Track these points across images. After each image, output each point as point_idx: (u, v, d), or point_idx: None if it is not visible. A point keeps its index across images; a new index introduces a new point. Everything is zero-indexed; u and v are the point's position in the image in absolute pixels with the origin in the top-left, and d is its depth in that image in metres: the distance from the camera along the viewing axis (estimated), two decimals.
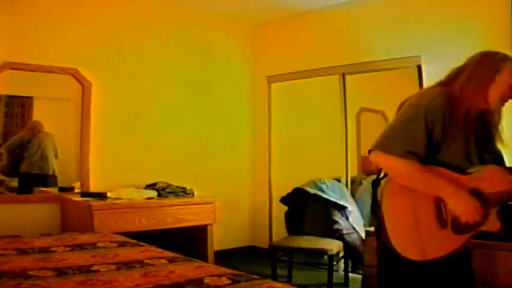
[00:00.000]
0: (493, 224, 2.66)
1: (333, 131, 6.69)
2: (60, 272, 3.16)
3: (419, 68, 5.83)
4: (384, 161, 2.75)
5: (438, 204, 2.69)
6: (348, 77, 6.65)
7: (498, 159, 2.83)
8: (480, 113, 2.76)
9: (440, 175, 2.69)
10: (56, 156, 6.15)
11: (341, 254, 5.93)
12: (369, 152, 2.79)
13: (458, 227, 2.67)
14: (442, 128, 2.68)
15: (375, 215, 2.83)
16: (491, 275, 4.15)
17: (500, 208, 2.66)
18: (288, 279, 5.82)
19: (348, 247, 5.82)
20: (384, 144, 2.75)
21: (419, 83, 5.77)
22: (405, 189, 2.72)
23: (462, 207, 2.63)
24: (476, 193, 2.64)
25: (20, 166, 6.01)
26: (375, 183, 2.85)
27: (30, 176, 6.08)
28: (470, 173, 2.69)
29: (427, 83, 5.68)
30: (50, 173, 6.18)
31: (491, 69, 2.77)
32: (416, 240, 2.69)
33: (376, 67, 6.30)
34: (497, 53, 2.83)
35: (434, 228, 2.68)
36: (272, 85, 7.63)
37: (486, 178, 2.66)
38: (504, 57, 2.80)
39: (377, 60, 6.26)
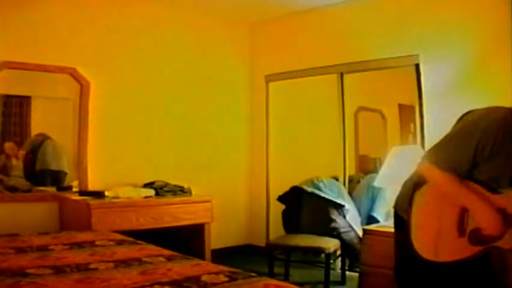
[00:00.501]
0: (507, 242, 2.76)
1: (331, 129, 6.69)
2: (59, 270, 3.17)
3: (417, 67, 5.81)
4: (429, 171, 2.84)
5: (462, 214, 2.80)
6: (346, 76, 6.63)
7: None
8: None
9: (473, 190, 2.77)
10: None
11: (338, 253, 5.95)
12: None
13: (475, 238, 2.79)
14: (491, 149, 2.68)
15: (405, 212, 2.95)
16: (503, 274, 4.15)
17: None
18: (285, 277, 5.83)
19: (346, 245, 5.82)
20: (433, 156, 2.85)
21: (417, 82, 5.77)
22: (438, 195, 2.84)
23: (488, 220, 2.74)
24: (501, 211, 2.72)
25: (35, 166, 6.06)
26: (416, 186, 2.92)
27: (45, 173, 6.15)
28: (500, 193, 2.75)
29: (425, 82, 5.72)
30: (65, 170, 6.24)
31: None
32: (433, 241, 2.83)
33: (374, 66, 6.27)
34: None
35: (453, 234, 2.81)
36: (270, 84, 7.61)
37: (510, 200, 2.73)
38: None
39: (375, 59, 6.24)
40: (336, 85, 6.68)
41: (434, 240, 2.84)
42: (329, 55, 6.80)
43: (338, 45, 6.71)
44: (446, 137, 2.86)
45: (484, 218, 2.74)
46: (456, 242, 2.82)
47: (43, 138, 6.11)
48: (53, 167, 6.19)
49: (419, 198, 2.89)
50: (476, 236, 2.79)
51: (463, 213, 2.81)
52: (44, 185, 6.06)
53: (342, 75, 6.65)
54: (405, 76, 5.99)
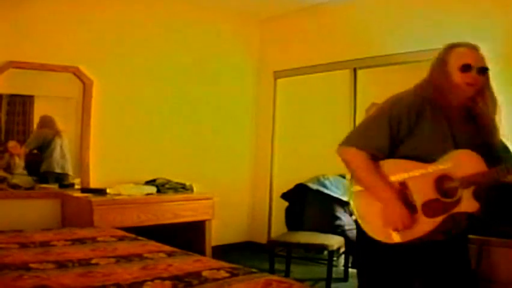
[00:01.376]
0: (469, 206, 2.76)
1: (341, 127, 6.54)
2: (61, 265, 3.21)
3: None
4: (345, 153, 3.00)
5: (403, 191, 2.85)
6: (359, 72, 6.51)
7: (497, 151, 2.89)
8: (466, 107, 2.90)
9: (398, 169, 2.87)
10: None
11: (342, 250, 5.95)
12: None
13: (429, 210, 2.80)
14: (408, 127, 2.84)
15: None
16: (492, 271, 4.17)
17: (475, 189, 2.75)
18: (286, 274, 5.81)
19: (350, 243, 5.81)
20: (348, 139, 3.01)
21: None
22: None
23: (388, 214, 2.82)
24: (444, 177, 2.79)
25: (40, 166, 6.08)
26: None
27: (50, 174, 6.15)
28: (434, 160, 2.82)
29: None
30: (70, 172, 6.25)
31: (442, 61, 2.92)
32: (382, 223, 2.86)
33: (390, 61, 6.10)
34: (449, 44, 2.97)
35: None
36: (278, 80, 7.56)
37: (456, 163, 2.77)
38: (451, 45, 2.95)
39: (391, 54, 6.07)
40: (349, 81, 6.57)
41: (377, 222, 2.87)
42: (341, 50, 6.67)
43: (351, 40, 6.57)
44: (362, 122, 3.07)
45: (384, 211, 2.82)
46: (411, 220, 2.83)
47: (54, 135, 6.13)
48: (58, 170, 6.20)
49: (354, 191, 3.02)
50: (429, 209, 2.80)
51: (403, 191, 2.85)
52: (47, 183, 6.07)
53: (355, 70, 6.53)
54: (423, 71, 5.87)
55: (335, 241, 5.47)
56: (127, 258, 3.51)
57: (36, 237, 4.17)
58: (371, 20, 6.40)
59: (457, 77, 2.81)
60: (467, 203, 2.75)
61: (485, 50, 2.93)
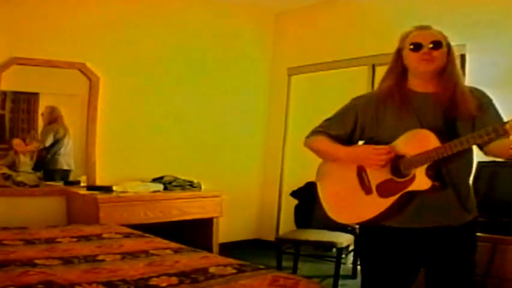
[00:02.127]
0: (422, 184, 2.73)
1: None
2: (66, 261, 3.21)
3: (463, 57, 5.40)
4: (307, 143, 3.23)
5: (360, 173, 2.95)
6: (378, 68, 6.27)
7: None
8: (434, 93, 2.85)
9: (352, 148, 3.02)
10: None
11: (351, 248, 5.94)
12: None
13: (383, 190, 2.85)
14: (370, 117, 2.97)
15: None
16: (504, 269, 4.15)
17: (428, 166, 2.71)
18: (293, 271, 5.81)
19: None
20: (321, 126, 3.22)
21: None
22: (333, 166, 3.16)
23: (358, 158, 2.94)
24: (399, 157, 2.82)
25: (47, 162, 6.11)
26: None
27: (56, 171, 6.18)
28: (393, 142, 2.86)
29: (471, 73, 5.29)
30: (72, 168, 6.27)
31: (398, 50, 3.03)
32: (345, 206, 3.07)
33: None
34: (403, 33, 3.07)
35: (360, 194, 2.93)
36: (292, 77, 7.46)
37: (410, 142, 2.78)
38: (405, 33, 3.05)
39: None
40: (366, 78, 6.44)
41: (345, 206, 3.07)
42: (359, 46, 6.55)
43: (370, 35, 6.45)
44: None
45: (354, 160, 2.96)
46: (367, 201, 2.91)
47: (65, 132, 6.17)
48: (66, 167, 6.21)
49: (322, 168, 3.30)
50: (382, 189, 2.85)
51: (360, 172, 2.95)
52: (53, 180, 6.06)
53: (374, 67, 6.39)
54: None
55: (344, 239, 5.45)
56: (133, 254, 3.50)
57: (41, 234, 4.17)
58: (390, 14, 6.27)
59: (411, 58, 2.87)
60: (419, 181, 2.73)
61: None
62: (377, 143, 2.88)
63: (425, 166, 2.71)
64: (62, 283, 2.67)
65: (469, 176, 2.89)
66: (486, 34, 5.41)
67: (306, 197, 6.25)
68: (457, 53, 5.17)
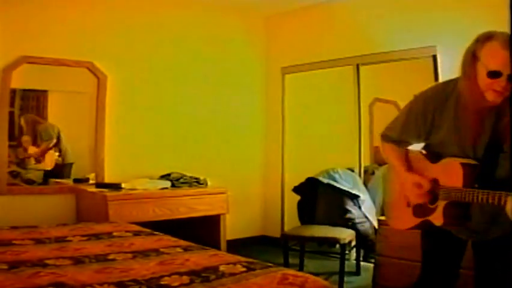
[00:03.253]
0: (437, 218, 2.70)
1: (347, 121, 6.63)
2: (77, 261, 3.18)
3: (435, 58, 5.71)
4: (381, 147, 3.13)
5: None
6: (362, 68, 6.56)
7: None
8: (496, 108, 2.54)
9: (410, 159, 2.99)
10: None
11: (353, 243, 5.92)
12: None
13: (416, 208, 2.88)
14: (430, 120, 2.78)
15: None
16: None
17: (446, 204, 2.63)
18: (300, 268, 5.78)
19: (361, 236, 5.79)
20: (382, 134, 3.09)
21: (434, 73, 5.67)
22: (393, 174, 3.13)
23: (406, 189, 2.89)
24: (433, 181, 2.76)
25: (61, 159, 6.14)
26: None
27: (67, 166, 6.21)
28: (437, 162, 2.79)
29: (442, 73, 5.60)
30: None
31: (473, 56, 2.56)
32: (392, 214, 3.18)
33: (391, 57, 6.18)
34: (483, 34, 2.57)
35: (403, 204, 2.98)
36: (286, 76, 7.56)
37: (445, 170, 2.69)
38: (483, 37, 2.54)
39: (392, 50, 6.14)
40: (352, 77, 6.62)
41: (388, 210, 3.20)
42: (345, 47, 6.71)
43: (354, 37, 6.62)
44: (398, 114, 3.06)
45: (407, 187, 2.88)
46: (404, 212, 2.96)
47: (58, 129, 6.13)
48: (72, 160, 6.21)
49: (389, 175, 3.24)
50: (415, 208, 2.89)
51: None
52: (62, 177, 6.06)
53: (358, 66, 6.58)
54: (422, 67, 5.91)
55: (346, 234, 5.44)
56: (144, 253, 3.49)
57: (51, 233, 4.15)
58: (373, 17, 6.45)
59: (485, 82, 2.48)
60: (437, 215, 2.69)
61: None
62: (435, 148, 2.84)
63: (446, 201, 2.63)
64: (73, 284, 2.64)
65: None
66: (456, 35, 5.39)
67: (308, 193, 6.25)
68: (427, 53, 5.25)
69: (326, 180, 6.02)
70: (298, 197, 6.42)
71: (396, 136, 2.96)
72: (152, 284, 2.71)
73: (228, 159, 7.28)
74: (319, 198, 6.15)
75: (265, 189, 7.81)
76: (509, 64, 2.37)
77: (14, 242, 3.74)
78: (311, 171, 6.29)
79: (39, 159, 5.96)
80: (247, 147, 7.62)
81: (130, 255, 3.42)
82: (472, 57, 2.54)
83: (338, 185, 5.94)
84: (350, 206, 5.87)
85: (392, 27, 6.25)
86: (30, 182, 5.80)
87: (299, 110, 7.43)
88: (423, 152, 2.95)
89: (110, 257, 3.35)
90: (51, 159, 6.03)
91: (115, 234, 4.20)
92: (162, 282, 2.74)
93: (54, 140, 6.05)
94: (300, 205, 6.41)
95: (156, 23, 6.65)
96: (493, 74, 2.43)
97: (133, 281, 2.73)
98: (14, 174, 5.71)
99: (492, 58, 2.43)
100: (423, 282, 3.04)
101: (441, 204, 2.65)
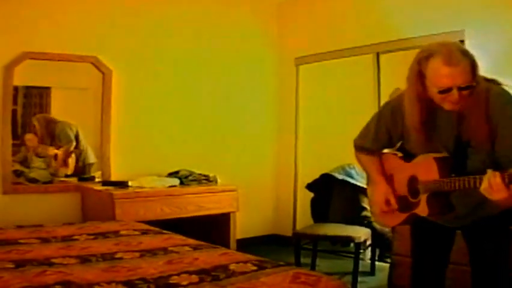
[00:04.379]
0: (422, 210, 2.91)
1: (365, 113, 6.47)
2: (84, 260, 3.22)
3: (462, 43, 5.27)
4: (355, 154, 3.47)
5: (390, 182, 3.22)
6: (382, 57, 6.38)
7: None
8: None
9: (385, 163, 3.26)
10: None
11: (368, 242, 5.87)
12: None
13: (401, 205, 3.10)
14: (399, 127, 3.04)
15: None
16: None
17: (428, 195, 2.85)
18: (312, 268, 5.76)
19: (377, 235, 5.75)
20: (354, 141, 3.45)
21: None
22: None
23: (373, 199, 3.29)
24: (412, 178, 2.99)
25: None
26: None
27: (89, 167, 6.31)
28: (410, 161, 3.05)
29: None
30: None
31: (419, 74, 2.76)
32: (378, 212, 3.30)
33: (414, 44, 5.69)
34: (422, 53, 2.79)
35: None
36: (300, 67, 7.44)
37: (420, 166, 2.93)
38: (426, 55, 2.72)
39: (415, 36, 5.86)
40: (372, 66, 6.44)
41: (373, 208, 3.36)
42: (364, 34, 6.50)
43: (374, 24, 6.41)
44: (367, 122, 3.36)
45: (397, 184, 3.14)
46: (390, 210, 3.18)
47: (76, 128, 6.24)
48: (93, 160, 6.33)
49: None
50: (400, 205, 3.10)
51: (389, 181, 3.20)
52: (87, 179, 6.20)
53: (378, 55, 6.39)
54: None
55: (361, 233, 5.41)
56: (152, 252, 3.52)
57: (57, 232, 4.19)
58: (394, 3, 6.27)
59: (437, 97, 2.67)
60: (422, 207, 2.90)
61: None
62: (408, 151, 3.08)
63: (427, 193, 2.85)
64: (80, 283, 2.68)
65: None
66: (485, 19, 5.38)
67: (322, 190, 6.24)
68: (454, 39, 5.17)
69: (341, 177, 6.00)
70: (311, 194, 6.41)
71: (369, 145, 3.24)
72: (160, 282, 2.74)
73: (238, 155, 7.27)
74: (333, 196, 6.13)
75: (277, 186, 7.78)
76: (457, 76, 2.55)
77: (20, 241, 3.78)
78: (326, 167, 6.27)
79: (60, 162, 6.04)
80: (258, 143, 7.59)
81: (137, 254, 3.45)
82: (418, 76, 2.74)
83: (354, 182, 5.92)
84: (366, 203, 5.83)
85: (415, 11, 6.02)
86: (34, 181, 5.84)
87: (314, 103, 7.30)
88: (399, 154, 3.19)
89: (118, 255, 3.38)
90: (72, 163, 6.10)
91: (122, 232, 4.23)
92: (171, 281, 2.76)
93: (74, 143, 6.12)
94: (314, 203, 6.40)
95: (163, 14, 6.63)
96: (443, 91, 2.61)
97: (141, 280, 2.76)
98: (17, 173, 5.76)
99: (438, 78, 2.61)
100: (415, 273, 3.28)
101: (423, 197, 2.88)
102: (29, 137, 5.92)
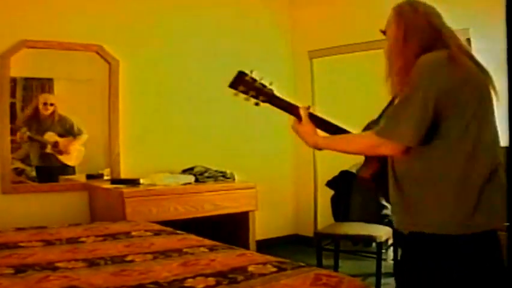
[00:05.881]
0: (364, 172, 3.07)
1: (381, 109, 6.56)
2: (92, 263, 3.20)
3: (468, 42, 5.50)
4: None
5: None
6: None
7: None
8: None
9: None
10: None
11: (390, 242, 5.88)
12: None
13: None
14: None
15: None
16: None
17: None
18: (335, 269, 5.77)
19: (398, 234, 5.73)
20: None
21: None
22: None
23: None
24: None
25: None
26: None
27: None
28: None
29: (476, 56, 5.48)
30: None
31: None
32: None
33: None
34: None
35: None
36: (314, 60, 7.48)
37: None
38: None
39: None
40: None
41: None
42: (380, 27, 6.54)
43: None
44: None
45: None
46: None
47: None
48: None
49: None
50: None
51: None
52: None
53: None
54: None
55: (383, 232, 5.41)
56: (165, 253, 3.50)
57: (62, 234, 4.17)
58: None
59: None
60: (363, 170, 3.12)
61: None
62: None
63: None
64: None
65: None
66: (490, 18, 5.42)
67: (342, 187, 6.22)
68: (461, 37, 5.14)
69: None
70: (331, 192, 6.39)
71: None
72: (174, 286, 2.72)
73: (256, 151, 7.26)
74: (353, 193, 6.14)
75: (297, 183, 7.82)
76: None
77: (20, 244, 3.76)
78: (346, 164, 6.25)
79: (59, 150, 5.99)
80: (276, 138, 7.55)
81: (150, 256, 3.43)
82: None
83: None
84: (385, 201, 5.82)
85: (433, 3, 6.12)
86: (36, 179, 5.82)
87: (330, 98, 7.31)
88: None
89: (128, 258, 3.36)
90: (76, 155, 6.08)
91: (133, 233, 4.22)
92: (186, 285, 2.75)
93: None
94: (334, 200, 6.39)
95: (173, 3, 6.61)
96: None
97: (153, 284, 2.74)
98: (18, 172, 5.73)
99: None
100: None
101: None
102: (24, 131, 5.86)
